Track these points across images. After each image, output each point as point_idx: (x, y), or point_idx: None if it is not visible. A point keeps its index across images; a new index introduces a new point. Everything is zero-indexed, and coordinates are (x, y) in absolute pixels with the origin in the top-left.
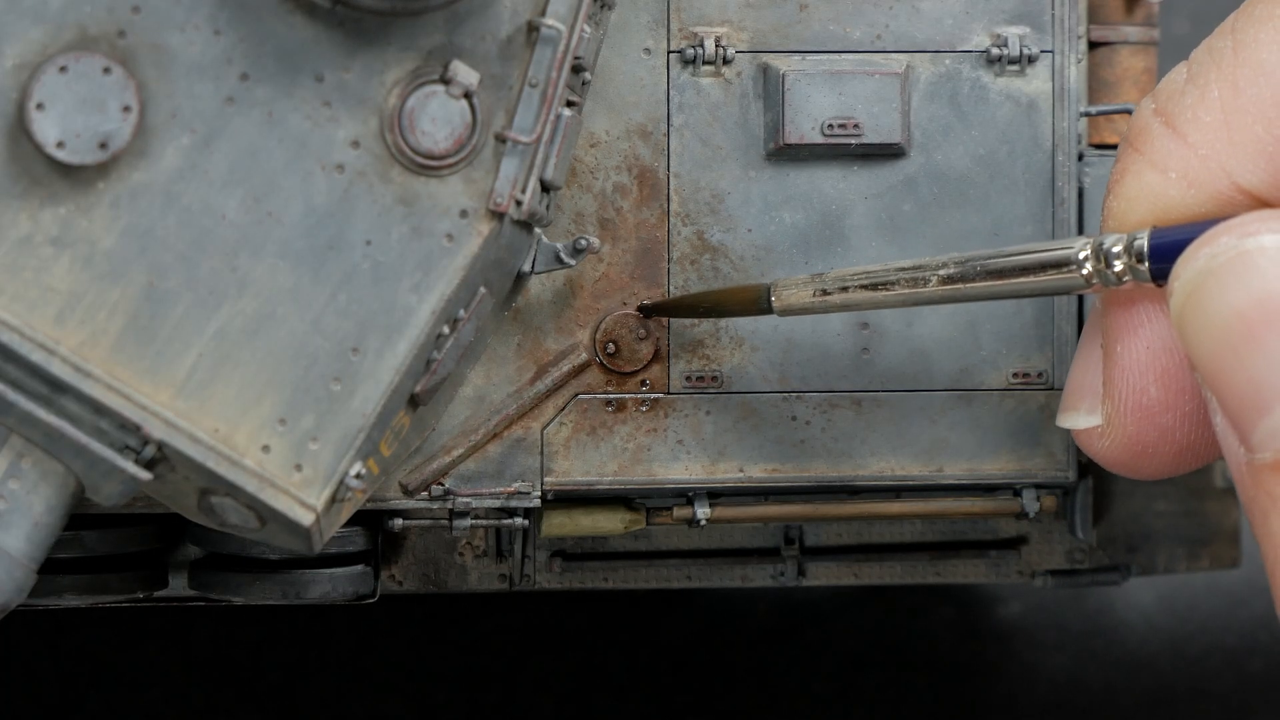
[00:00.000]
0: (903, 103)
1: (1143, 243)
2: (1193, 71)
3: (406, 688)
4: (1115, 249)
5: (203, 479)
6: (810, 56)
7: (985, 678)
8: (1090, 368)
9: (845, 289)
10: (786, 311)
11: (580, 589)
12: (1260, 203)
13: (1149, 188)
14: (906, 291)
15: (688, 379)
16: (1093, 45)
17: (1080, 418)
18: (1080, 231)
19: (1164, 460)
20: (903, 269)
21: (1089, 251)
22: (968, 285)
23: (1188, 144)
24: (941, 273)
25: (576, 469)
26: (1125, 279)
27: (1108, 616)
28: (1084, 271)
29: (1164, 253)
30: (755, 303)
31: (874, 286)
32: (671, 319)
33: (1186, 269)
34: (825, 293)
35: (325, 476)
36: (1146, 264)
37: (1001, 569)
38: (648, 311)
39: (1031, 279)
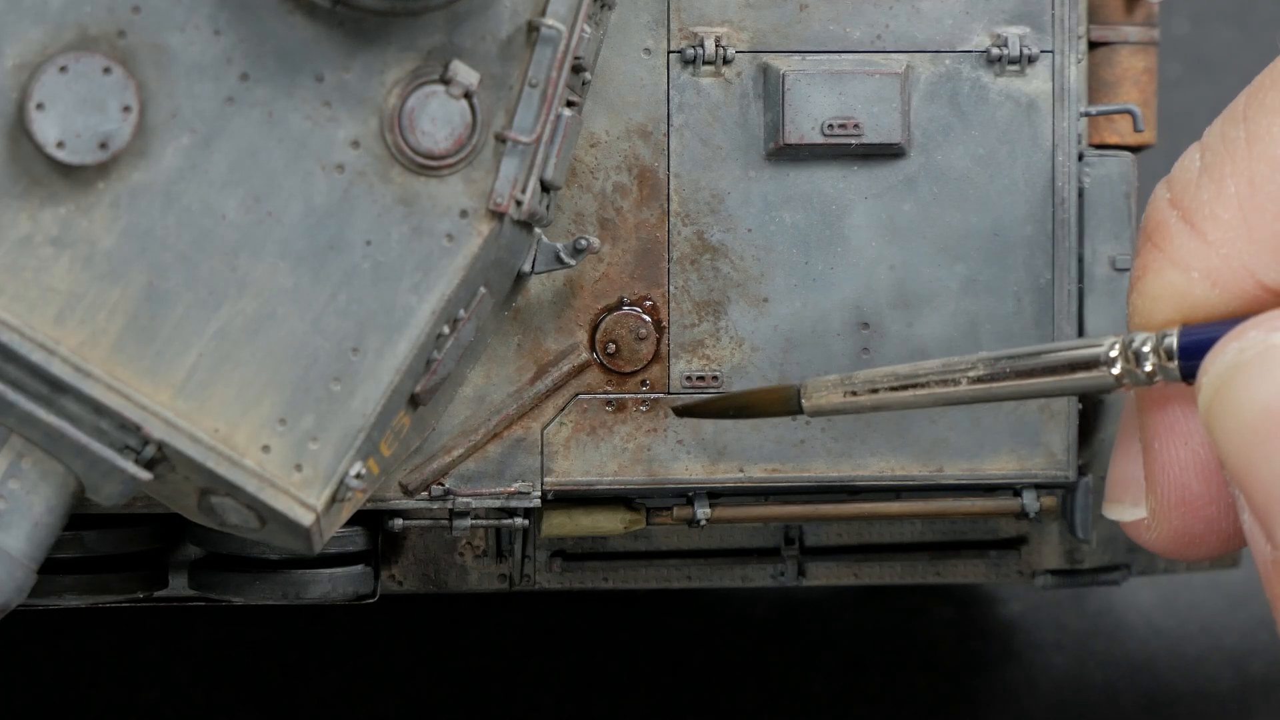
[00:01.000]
0: (903, 103)
1: (1172, 341)
2: (1206, 162)
3: (406, 688)
4: (1144, 348)
5: (203, 479)
6: (810, 56)
7: (985, 678)
8: (1131, 458)
9: (875, 390)
10: (817, 413)
11: (580, 589)
12: None
13: (1172, 287)
14: (938, 391)
15: (688, 379)
16: (1093, 45)
17: (1126, 511)
18: (1080, 234)
19: (1212, 547)
20: (932, 371)
21: (1118, 351)
22: (998, 385)
23: (1208, 243)
24: (971, 374)
25: (576, 469)
26: (1156, 378)
27: (1108, 616)
28: (1114, 371)
29: (1193, 351)
30: (786, 404)
31: (904, 388)
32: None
33: (1214, 364)
34: (854, 394)
35: (325, 476)
36: (1176, 362)
37: (1001, 569)
38: (681, 413)
39: (1061, 378)
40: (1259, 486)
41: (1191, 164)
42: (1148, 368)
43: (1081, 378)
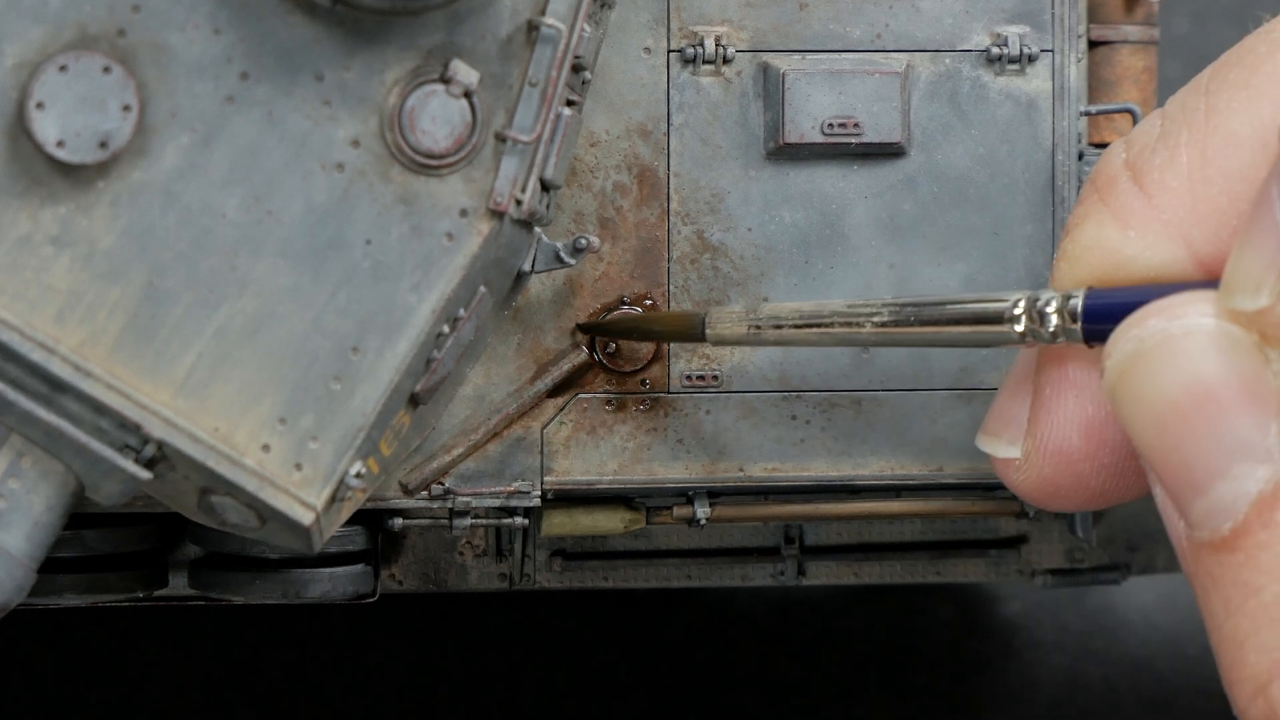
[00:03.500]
0: (903, 102)
1: (1077, 304)
2: (1165, 129)
3: (406, 688)
4: (1049, 309)
5: (203, 478)
6: (810, 56)
7: (985, 677)
8: (1019, 397)
9: (779, 326)
10: (719, 342)
11: (580, 588)
12: (1211, 274)
13: (1106, 240)
14: (841, 332)
15: (688, 378)
16: (1093, 44)
17: (1000, 446)
18: None
19: (1073, 500)
20: (838, 311)
21: (1023, 308)
22: (901, 330)
23: (1152, 205)
24: (875, 319)
25: (576, 468)
26: (1059, 339)
27: (1108, 616)
28: (1017, 328)
29: (1098, 316)
30: (690, 330)
31: (808, 326)
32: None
33: (1117, 350)
34: (758, 328)
35: (325, 476)
36: (1079, 325)
37: (1001, 568)
38: (584, 330)
39: (964, 329)
40: (1168, 470)
41: (1151, 128)
42: (1051, 327)
43: (985, 331)
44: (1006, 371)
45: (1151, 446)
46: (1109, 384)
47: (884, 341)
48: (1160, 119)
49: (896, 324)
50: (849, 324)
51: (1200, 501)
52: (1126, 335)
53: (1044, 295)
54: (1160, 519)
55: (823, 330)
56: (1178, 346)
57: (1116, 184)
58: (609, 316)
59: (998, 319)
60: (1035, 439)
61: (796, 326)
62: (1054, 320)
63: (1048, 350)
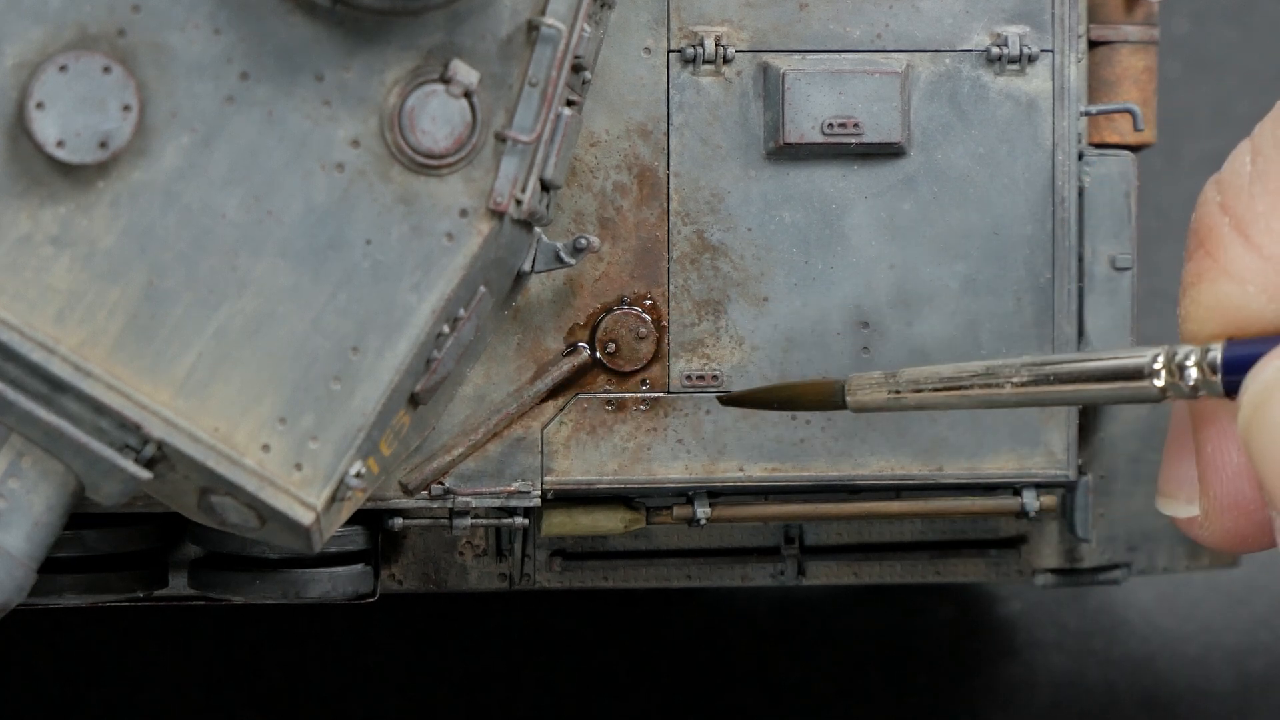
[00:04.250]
0: (903, 102)
1: (1216, 355)
2: (1259, 168)
3: (406, 687)
4: (1188, 362)
5: (203, 478)
6: (810, 56)
7: (985, 677)
8: (1184, 456)
9: (919, 390)
10: (860, 409)
11: (580, 588)
12: None
13: (1226, 298)
14: (981, 394)
15: (688, 378)
16: (1093, 44)
17: (1180, 508)
18: (1080, 233)
19: (1264, 543)
20: (977, 374)
21: (1162, 363)
22: (1041, 390)
23: (1263, 257)
24: (1015, 380)
25: (576, 468)
26: (1200, 392)
27: (1108, 616)
28: (1158, 383)
29: (1238, 367)
30: (830, 398)
31: (948, 389)
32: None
33: (1253, 383)
34: (898, 393)
35: (325, 476)
36: (1219, 377)
37: (1001, 568)
38: (726, 403)
39: (1104, 387)
40: None
41: (1242, 167)
42: (1191, 381)
43: (1125, 387)
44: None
45: (1279, 483)
46: (1243, 422)
47: (1025, 402)
48: (1250, 154)
49: (1036, 383)
50: (988, 385)
51: None
52: (1264, 368)
53: (1182, 350)
54: (1160, 519)
55: (962, 393)
56: None
57: (1219, 235)
58: (747, 390)
59: (1137, 374)
60: (1209, 498)
61: (936, 390)
62: (1194, 374)
63: (1199, 408)
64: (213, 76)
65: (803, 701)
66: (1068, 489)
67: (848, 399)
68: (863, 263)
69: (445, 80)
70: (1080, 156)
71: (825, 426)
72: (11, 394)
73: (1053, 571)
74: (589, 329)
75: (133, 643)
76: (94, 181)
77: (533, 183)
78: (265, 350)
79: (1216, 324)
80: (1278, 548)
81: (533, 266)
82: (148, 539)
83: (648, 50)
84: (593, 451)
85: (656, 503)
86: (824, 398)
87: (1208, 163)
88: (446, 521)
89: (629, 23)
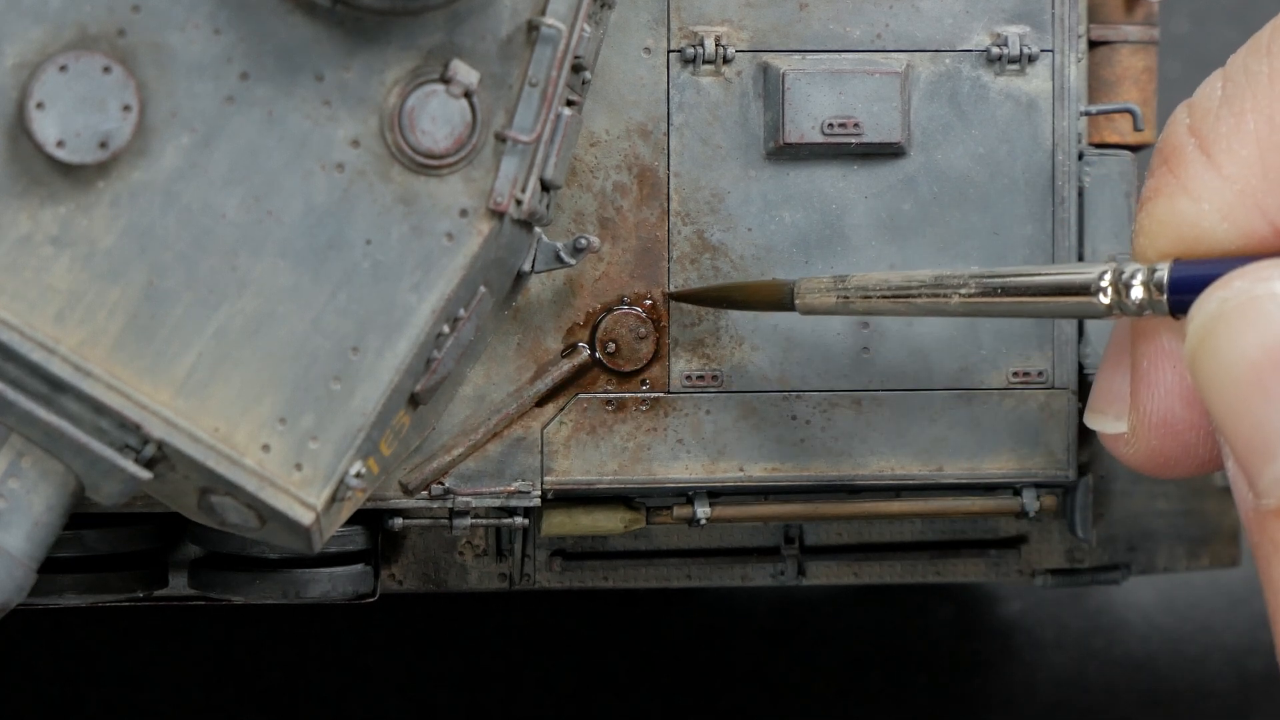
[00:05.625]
0: (903, 102)
1: (1163, 275)
2: (1228, 92)
3: (406, 688)
4: (1134, 280)
5: (203, 478)
6: (810, 56)
7: (985, 677)
8: (1119, 372)
9: (867, 296)
10: (808, 311)
11: (580, 588)
12: None
13: (1181, 215)
14: (927, 303)
15: (688, 378)
16: (1093, 44)
17: (1108, 422)
18: (1080, 233)
19: (1185, 469)
20: (925, 283)
21: (1109, 280)
22: (987, 300)
23: (1223, 176)
24: (962, 290)
25: (576, 468)
26: (1145, 311)
27: (1108, 616)
28: (1103, 300)
29: (1183, 287)
30: (779, 299)
31: (895, 297)
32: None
33: (1200, 312)
34: (846, 297)
35: (325, 476)
36: (1165, 297)
37: (1001, 568)
38: (676, 298)
39: (1050, 300)
40: (1241, 436)
41: (1213, 91)
42: (1136, 299)
43: (1071, 302)
44: (1103, 348)
45: (1225, 411)
46: (1190, 348)
47: (971, 312)
48: (1221, 81)
49: (983, 295)
50: (936, 295)
51: (1271, 468)
52: (1210, 297)
53: (1129, 267)
54: (1160, 519)
55: (909, 301)
56: (1262, 307)
57: (1183, 154)
58: (698, 288)
59: (1084, 290)
60: (1139, 412)
61: (884, 297)
62: (1139, 292)
63: (1140, 324)
64: (213, 76)
65: (803, 701)
66: (1068, 489)
67: (796, 301)
68: (863, 262)
69: (445, 80)
70: (1080, 156)
71: (825, 427)
72: (11, 394)
73: (1053, 572)
74: (589, 329)
75: (133, 643)
76: (94, 181)
77: (533, 183)
78: (265, 350)
79: (1168, 240)
80: (1203, 467)
81: (533, 266)
82: (148, 539)
83: (648, 50)
84: (593, 451)
85: (656, 503)
86: (774, 298)
87: None
88: (446, 521)
89: (629, 23)
